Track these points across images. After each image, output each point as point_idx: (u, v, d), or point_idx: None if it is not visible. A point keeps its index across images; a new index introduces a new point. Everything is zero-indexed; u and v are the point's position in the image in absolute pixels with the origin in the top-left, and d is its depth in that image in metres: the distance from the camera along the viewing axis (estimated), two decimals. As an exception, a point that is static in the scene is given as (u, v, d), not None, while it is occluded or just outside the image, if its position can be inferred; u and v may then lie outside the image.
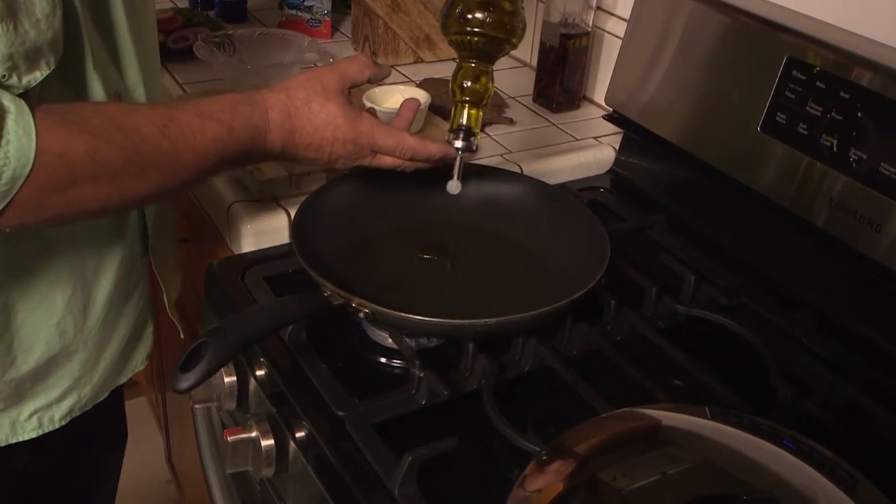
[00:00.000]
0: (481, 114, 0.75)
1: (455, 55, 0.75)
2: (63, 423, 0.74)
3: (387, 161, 0.73)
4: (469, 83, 0.73)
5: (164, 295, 0.84)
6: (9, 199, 0.51)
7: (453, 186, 0.76)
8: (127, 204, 0.60)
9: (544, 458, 0.53)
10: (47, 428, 0.73)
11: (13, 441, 0.71)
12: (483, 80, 0.73)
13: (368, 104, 0.93)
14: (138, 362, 0.83)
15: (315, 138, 0.68)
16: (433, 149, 0.73)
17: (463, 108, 0.74)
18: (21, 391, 0.70)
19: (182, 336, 0.90)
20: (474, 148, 0.74)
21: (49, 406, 0.72)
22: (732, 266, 0.85)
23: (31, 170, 0.51)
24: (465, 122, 0.74)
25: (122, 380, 0.81)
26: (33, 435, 0.72)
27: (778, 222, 0.82)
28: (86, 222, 0.67)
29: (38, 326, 0.68)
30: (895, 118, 0.71)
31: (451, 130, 0.74)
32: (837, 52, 0.76)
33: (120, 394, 0.91)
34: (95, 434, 0.85)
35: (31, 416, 0.71)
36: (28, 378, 0.70)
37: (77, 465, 0.85)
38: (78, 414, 0.75)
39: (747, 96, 0.84)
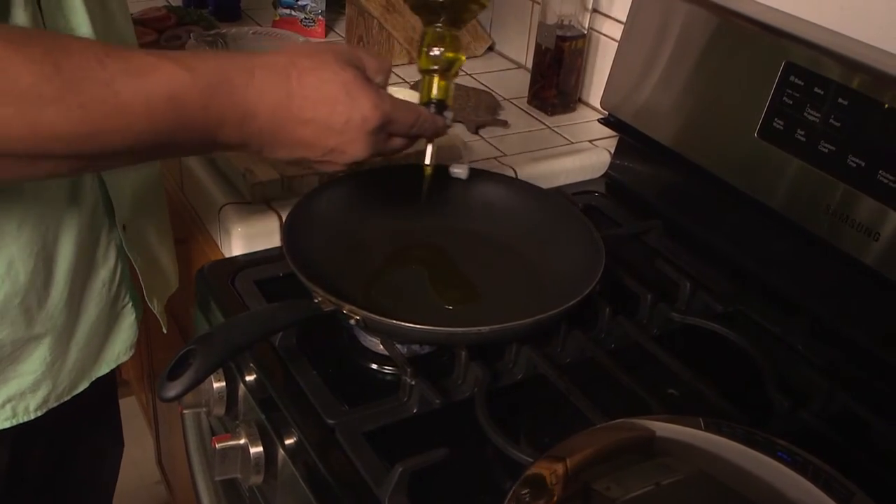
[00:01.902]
0: (452, 85, 0.69)
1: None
2: (39, 413, 0.71)
3: (395, 144, 0.64)
4: (436, 51, 0.67)
5: (140, 280, 0.78)
6: None
7: (461, 171, 0.71)
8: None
9: (537, 468, 0.53)
10: (22, 418, 0.70)
11: None
12: (451, 45, 0.68)
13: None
14: (120, 353, 0.79)
15: (320, 112, 0.56)
16: (440, 121, 0.67)
17: (431, 78, 0.68)
18: None
19: (164, 331, 0.87)
20: (450, 122, 0.69)
21: (23, 394, 0.69)
22: (729, 272, 0.84)
23: None
24: (435, 95, 0.68)
25: (103, 369, 0.77)
26: (7, 425, 0.69)
27: (775, 229, 0.82)
28: (35, 184, 0.61)
29: (4, 305, 0.64)
30: (894, 125, 0.71)
31: (421, 104, 0.68)
32: (836, 57, 0.75)
33: (113, 396, 0.89)
34: (86, 437, 0.83)
35: (4, 404, 0.68)
36: None
37: (67, 469, 0.84)
38: (55, 405, 0.72)
39: (745, 101, 0.83)
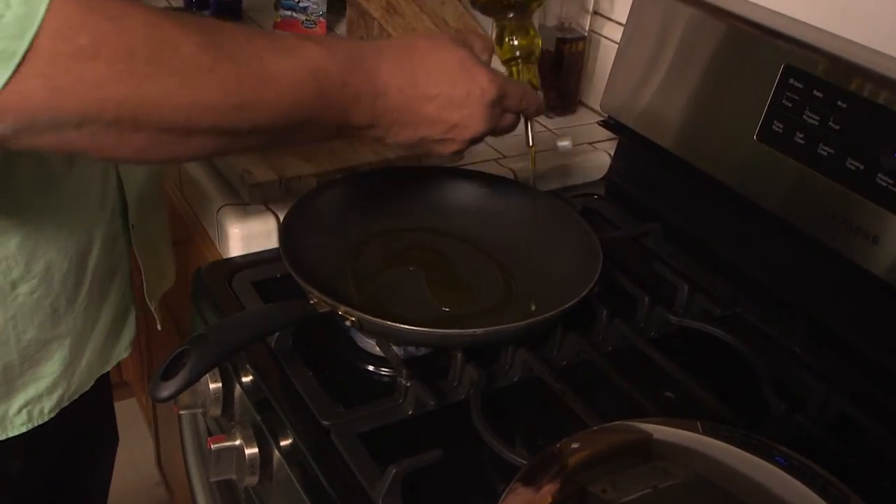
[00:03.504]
0: (535, 69, 0.74)
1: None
2: (52, 415, 0.72)
3: (507, 121, 0.66)
4: (517, 40, 0.72)
5: (143, 280, 0.81)
6: (20, 56, 0.40)
7: (566, 145, 0.77)
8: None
9: (532, 470, 0.53)
10: (37, 421, 0.70)
11: (2, 438, 0.68)
12: (530, 31, 0.72)
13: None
14: (122, 350, 0.81)
15: (444, 88, 0.58)
16: (541, 98, 0.70)
17: (518, 67, 0.73)
18: (10, 380, 0.67)
19: (159, 327, 0.88)
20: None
21: (39, 398, 0.70)
22: (727, 275, 0.84)
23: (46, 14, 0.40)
24: (523, 80, 0.73)
25: (107, 367, 0.79)
26: (23, 430, 0.70)
27: (773, 232, 0.81)
28: (75, 190, 0.63)
29: (35, 306, 0.66)
30: (893, 129, 0.70)
31: None
32: (835, 60, 0.75)
33: (109, 395, 0.90)
34: (86, 436, 0.84)
35: (20, 409, 0.69)
36: (18, 364, 0.67)
37: (69, 470, 0.84)
38: (66, 404, 0.73)
39: (744, 104, 0.83)
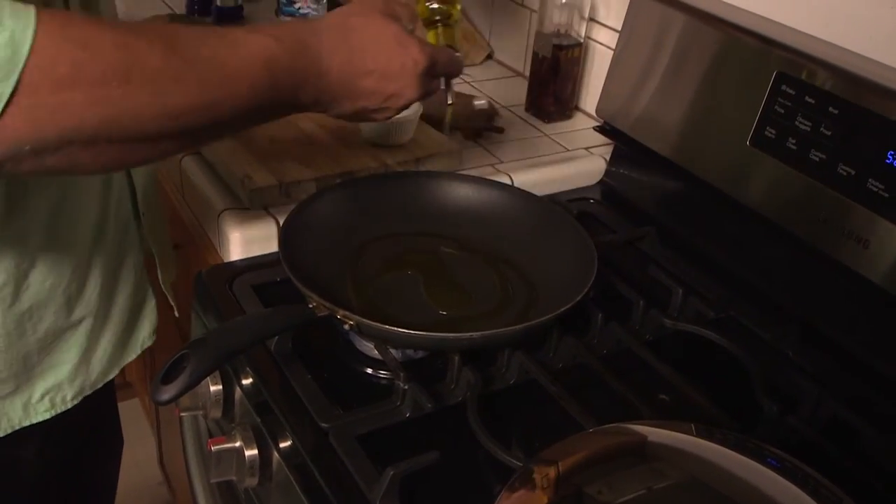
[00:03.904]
0: (454, 32, 0.78)
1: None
2: (75, 402, 0.73)
3: (435, 86, 0.71)
4: (436, 3, 0.76)
5: (158, 270, 0.83)
6: (13, 79, 0.41)
7: (482, 103, 0.83)
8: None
9: (528, 472, 0.53)
10: (60, 408, 0.71)
11: (26, 424, 0.69)
12: None
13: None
14: (145, 338, 0.82)
15: (380, 62, 0.63)
16: (461, 59, 0.75)
17: (437, 29, 0.77)
18: (29, 366, 0.68)
19: (177, 314, 0.89)
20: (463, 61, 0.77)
21: (60, 385, 0.71)
22: (721, 279, 0.85)
23: (34, 37, 0.42)
24: (443, 42, 0.77)
25: (132, 355, 0.80)
26: (47, 416, 0.70)
27: (766, 236, 0.82)
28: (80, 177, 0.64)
29: (50, 293, 0.66)
30: (884, 134, 0.71)
31: None
32: (827, 67, 0.76)
33: (113, 399, 0.90)
34: (94, 436, 0.84)
35: (42, 396, 0.70)
36: (36, 353, 0.68)
37: (79, 467, 0.84)
38: (89, 392, 0.74)
39: (737, 110, 0.84)
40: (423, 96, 0.69)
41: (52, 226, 0.65)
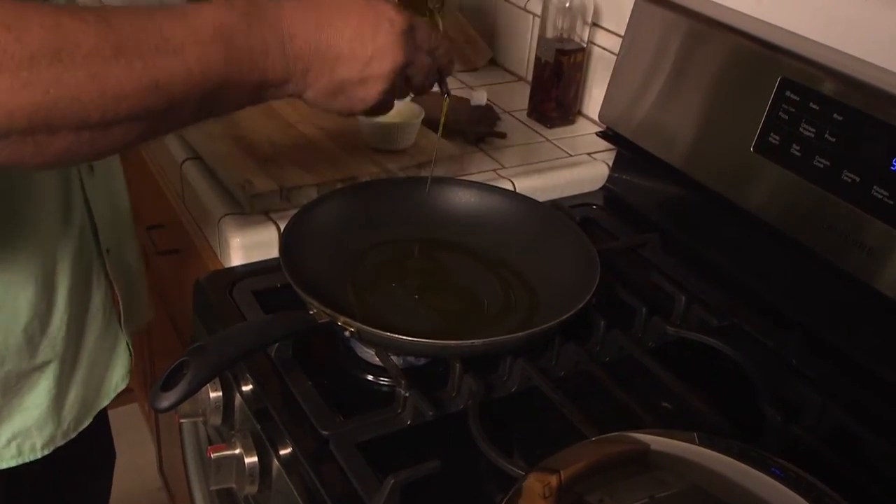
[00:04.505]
0: (438, 19, 0.76)
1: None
2: (46, 451, 0.70)
3: (421, 60, 0.64)
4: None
5: (120, 308, 0.78)
6: None
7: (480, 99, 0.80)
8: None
9: (529, 480, 0.53)
10: (28, 457, 0.69)
11: None
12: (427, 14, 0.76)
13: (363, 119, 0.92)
14: (118, 381, 0.79)
15: (351, 22, 0.57)
16: (451, 45, 0.70)
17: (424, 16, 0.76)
18: None
19: (133, 362, 0.83)
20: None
21: (28, 431, 0.69)
22: (724, 286, 0.84)
23: None
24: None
25: (104, 401, 0.77)
26: (13, 463, 0.68)
27: (770, 243, 0.82)
28: (32, 206, 0.61)
29: (6, 333, 0.64)
30: (888, 141, 0.71)
31: None
32: (831, 73, 0.76)
33: (104, 414, 0.88)
34: (81, 458, 0.81)
35: (9, 441, 0.67)
36: (0, 395, 0.66)
37: (63, 490, 0.82)
38: (62, 442, 0.72)
39: (741, 116, 0.83)
40: (408, 63, 0.62)
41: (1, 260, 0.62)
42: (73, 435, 0.73)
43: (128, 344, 0.80)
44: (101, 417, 0.88)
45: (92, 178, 0.72)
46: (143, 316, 0.85)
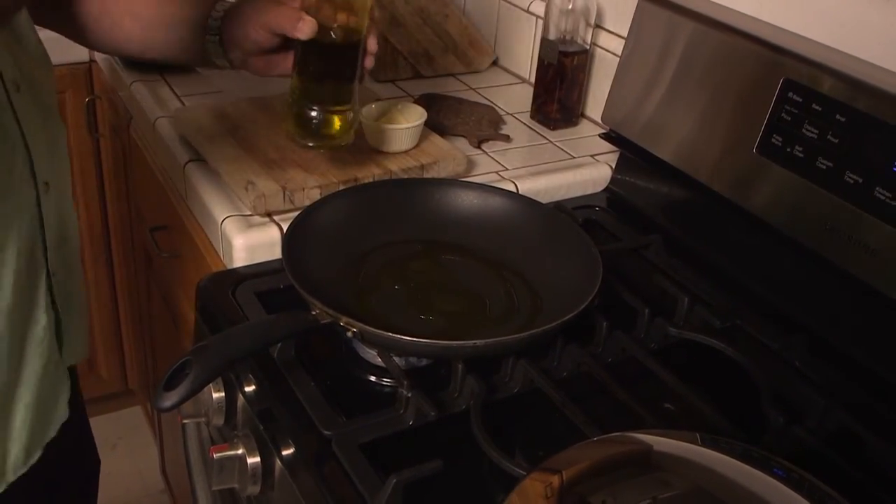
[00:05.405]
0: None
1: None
2: None
3: None
4: None
5: (62, 342, 0.73)
6: None
7: None
8: None
9: (531, 481, 0.53)
10: None
11: None
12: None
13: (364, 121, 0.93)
14: (61, 412, 0.73)
15: None
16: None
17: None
18: None
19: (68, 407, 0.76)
20: None
21: None
22: (727, 287, 0.84)
23: None
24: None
25: (51, 433, 0.72)
26: None
27: (772, 244, 0.82)
28: None
29: None
30: (891, 142, 0.71)
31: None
32: (834, 74, 0.76)
33: (85, 422, 0.86)
34: (63, 473, 0.78)
35: None
36: None
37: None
38: (13, 479, 0.68)
39: (744, 117, 0.83)
40: None
41: None
42: (24, 469, 0.69)
43: (70, 372, 0.75)
44: (82, 427, 0.85)
45: (48, 194, 0.68)
46: (82, 352, 0.79)
